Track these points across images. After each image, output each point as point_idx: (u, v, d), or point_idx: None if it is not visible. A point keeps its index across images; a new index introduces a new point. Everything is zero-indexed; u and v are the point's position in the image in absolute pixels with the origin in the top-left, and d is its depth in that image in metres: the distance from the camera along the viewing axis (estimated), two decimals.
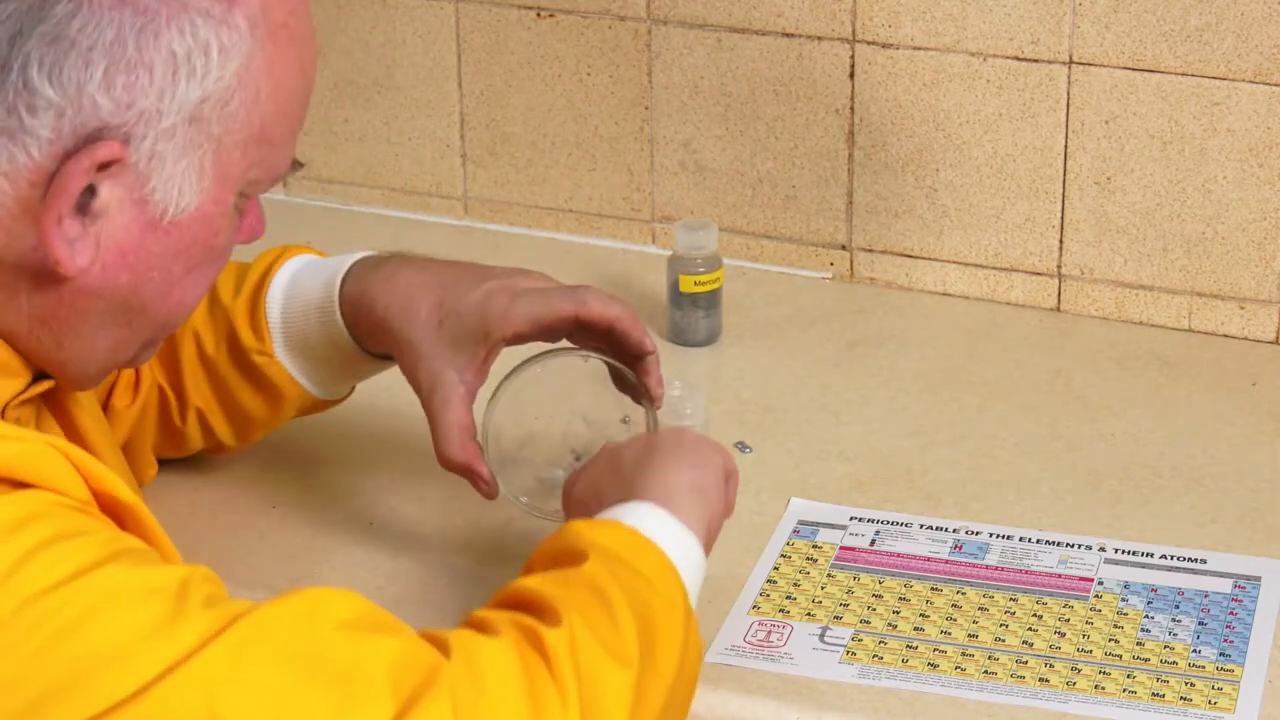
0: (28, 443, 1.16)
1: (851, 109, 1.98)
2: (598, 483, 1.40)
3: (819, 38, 1.97)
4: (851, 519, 1.64)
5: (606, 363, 1.50)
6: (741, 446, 1.74)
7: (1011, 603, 1.53)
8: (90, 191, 1.19)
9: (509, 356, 1.51)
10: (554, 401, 1.52)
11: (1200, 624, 1.50)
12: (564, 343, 1.51)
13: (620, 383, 1.52)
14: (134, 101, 1.18)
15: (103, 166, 1.19)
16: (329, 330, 1.54)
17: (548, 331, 1.49)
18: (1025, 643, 1.49)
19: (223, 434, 1.63)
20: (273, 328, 1.57)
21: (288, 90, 1.25)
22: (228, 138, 1.22)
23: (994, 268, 1.99)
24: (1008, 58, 1.91)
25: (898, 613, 1.52)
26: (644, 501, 1.34)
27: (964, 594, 1.54)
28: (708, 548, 1.37)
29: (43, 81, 1.17)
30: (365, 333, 1.53)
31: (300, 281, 1.56)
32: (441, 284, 1.51)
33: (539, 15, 2.08)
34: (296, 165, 1.31)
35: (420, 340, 1.49)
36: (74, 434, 1.35)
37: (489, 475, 1.49)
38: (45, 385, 1.29)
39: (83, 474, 1.18)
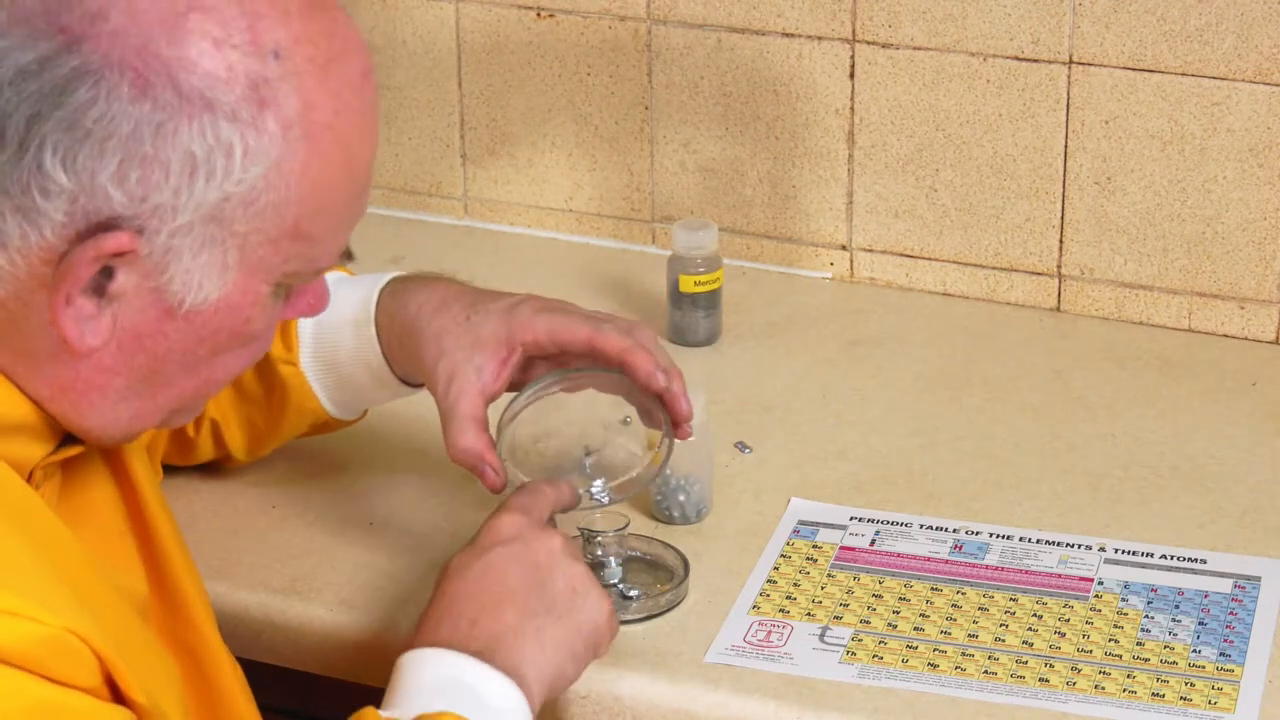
0: (50, 628, 1.12)
1: (851, 109, 1.98)
2: (480, 597, 1.37)
3: (819, 38, 1.97)
4: (851, 519, 1.64)
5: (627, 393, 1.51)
6: (741, 446, 1.74)
7: (1011, 603, 1.53)
8: (108, 273, 1.16)
9: None
10: (574, 419, 1.52)
11: (1200, 624, 1.50)
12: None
13: (645, 412, 1.52)
14: (147, 196, 1.14)
15: (116, 254, 1.16)
16: (361, 344, 1.55)
17: (561, 348, 1.49)
18: (1025, 643, 1.49)
19: (234, 447, 1.63)
20: (303, 339, 1.57)
21: (329, 190, 1.20)
22: (255, 235, 1.18)
23: (994, 268, 1.99)
24: (1008, 58, 1.91)
25: (898, 613, 1.52)
26: (518, 690, 1.33)
27: (964, 594, 1.54)
28: None
29: (55, 167, 1.13)
30: (396, 344, 1.53)
31: (334, 295, 1.55)
32: (478, 291, 1.53)
33: (539, 15, 2.07)
34: (347, 256, 1.26)
35: (447, 334, 1.49)
36: (124, 478, 1.34)
37: (499, 465, 1.48)
38: (74, 450, 1.26)
39: (99, 657, 1.14)
